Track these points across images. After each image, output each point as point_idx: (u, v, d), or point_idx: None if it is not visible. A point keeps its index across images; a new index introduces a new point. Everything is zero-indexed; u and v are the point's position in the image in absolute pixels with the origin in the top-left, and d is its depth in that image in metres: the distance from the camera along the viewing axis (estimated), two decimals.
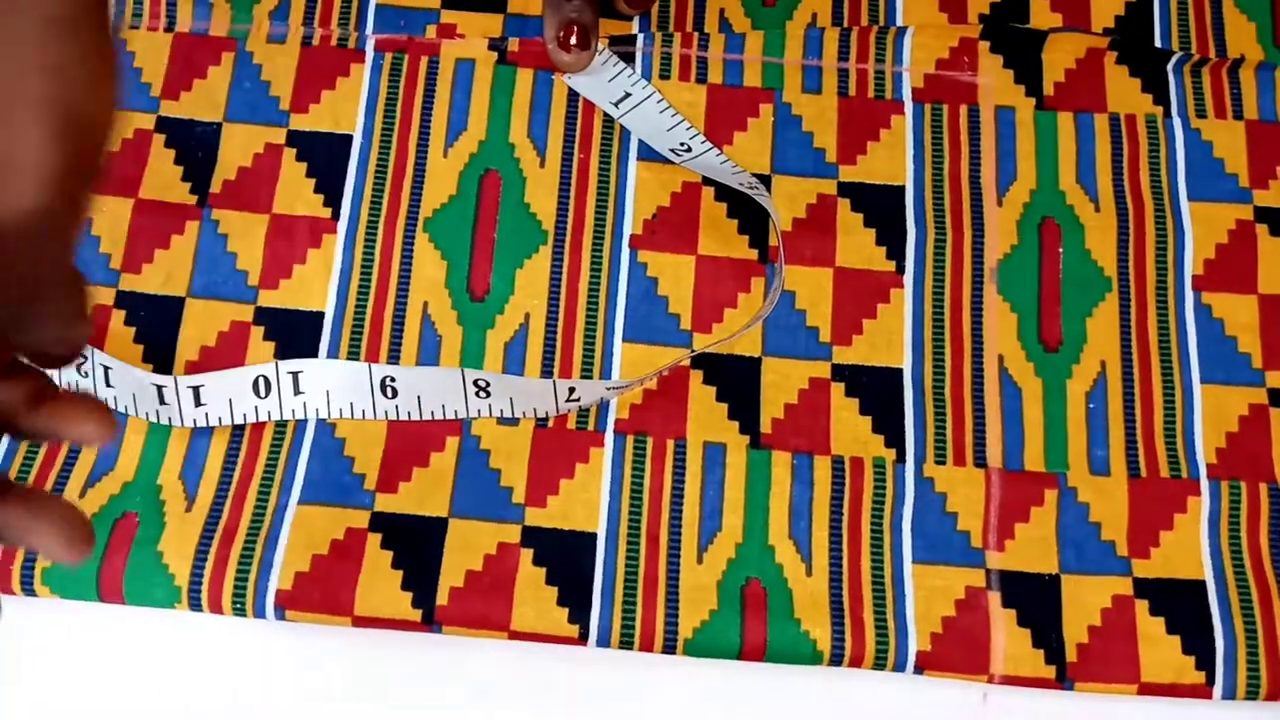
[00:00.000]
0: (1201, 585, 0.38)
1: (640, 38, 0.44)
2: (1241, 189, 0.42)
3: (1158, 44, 0.44)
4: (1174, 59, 0.44)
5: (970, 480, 0.39)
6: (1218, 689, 0.37)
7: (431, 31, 0.44)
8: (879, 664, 0.37)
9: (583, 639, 0.37)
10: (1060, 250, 0.42)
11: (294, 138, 0.43)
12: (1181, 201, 0.42)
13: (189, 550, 0.37)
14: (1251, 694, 0.36)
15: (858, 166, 0.43)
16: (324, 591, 0.37)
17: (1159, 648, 0.37)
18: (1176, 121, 0.43)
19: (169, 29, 0.44)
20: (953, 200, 0.42)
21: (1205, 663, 0.37)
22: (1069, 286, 0.41)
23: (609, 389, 0.39)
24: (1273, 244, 0.42)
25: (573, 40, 0.42)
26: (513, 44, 0.44)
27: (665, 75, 0.44)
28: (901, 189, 0.42)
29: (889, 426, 0.39)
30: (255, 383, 0.38)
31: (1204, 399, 0.40)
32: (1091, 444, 0.39)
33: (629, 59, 0.44)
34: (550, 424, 0.39)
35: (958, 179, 0.42)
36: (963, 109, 0.43)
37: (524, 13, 0.44)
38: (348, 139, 0.43)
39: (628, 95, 0.43)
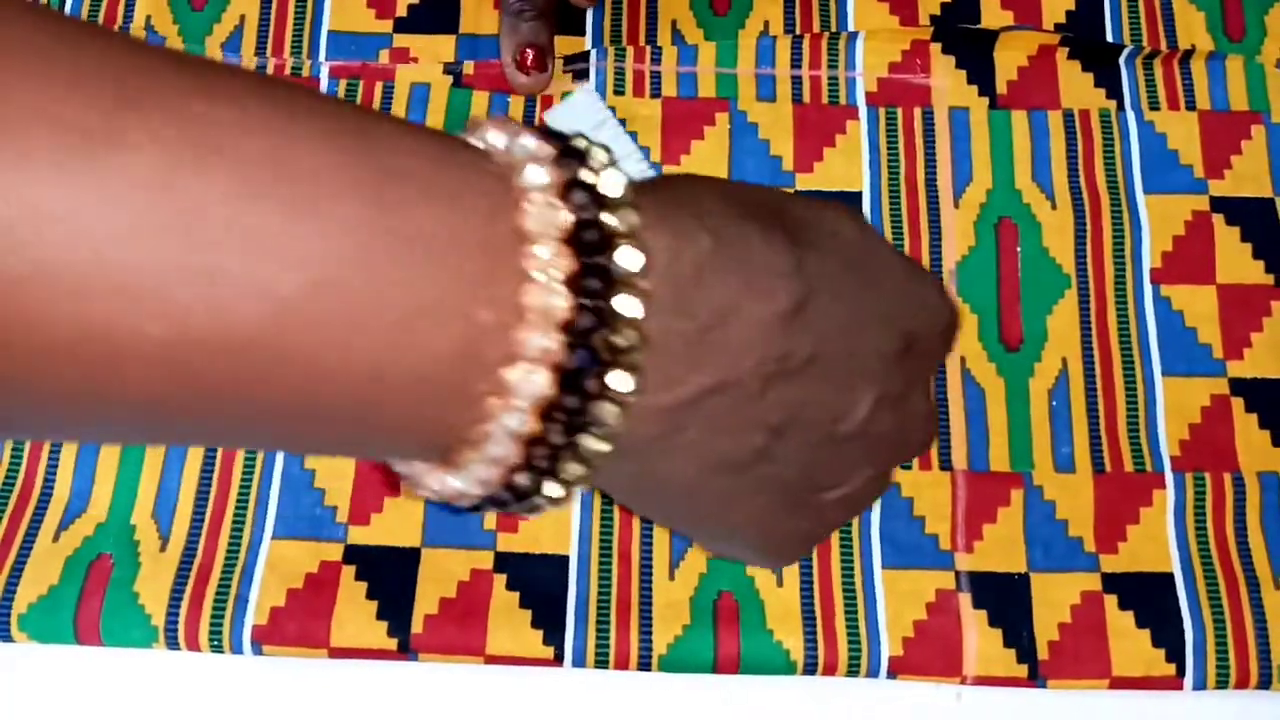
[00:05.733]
0: (1169, 578, 0.38)
1: (593, 53, 0.44)
2: (1197, 179, 0.43)
3: (1109, 38, 0.44)
4: (1125, 52, 0.44)
5: (937, 483, 0.39)
6: (1188, 680, 0.37)
7: (385, 56, 0.44)
8: (852, 671, 0.37)
9: (558, 660, 0.37)
10: (1018, 249, 0.42)
11: None
12: (1137, 195, 0.42)
13: (164, 590, 0.37)
14: (1221, 683, 0.37)
15: (815, 173, 0.43)
16: (300, 625, 0.37)
17: (1129, 641, 0.37)
18: (1130, 115, 0.43)
19: None
20: (909, 204, 0.42)
21: (1175, 654, 0.37)
22: (1028, 285, 0.41)
23: None
24: (1230, 233, 0.42)
25: (529, 62, 0.42)
26: (468, 67, 0.44)
27: (620, 91, 0.44)
28: (859, 194, 0.42)
29: None
30: None
31: (1166, 391, 0.40)
32: (1056, 441, 0.40)
33: (584, 76, 0.44)
34: None
35: (914, 182, 0.43)
36: (917, 112, 0.43)
37: (475, 33, 0.44)
38: None
39: (603, 123, 0.43)
